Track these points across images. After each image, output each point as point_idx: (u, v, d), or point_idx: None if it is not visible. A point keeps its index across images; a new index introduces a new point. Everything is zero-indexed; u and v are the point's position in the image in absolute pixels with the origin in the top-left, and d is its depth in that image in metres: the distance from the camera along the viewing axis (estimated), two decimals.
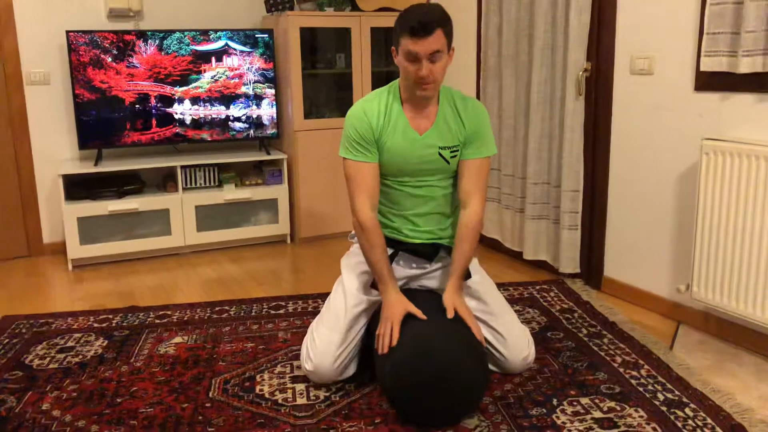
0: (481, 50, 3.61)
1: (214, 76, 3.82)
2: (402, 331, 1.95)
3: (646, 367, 2.26)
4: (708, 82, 2.48)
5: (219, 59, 3.81)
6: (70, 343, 2.56)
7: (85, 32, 3.54)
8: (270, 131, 4.01)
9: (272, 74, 3.94)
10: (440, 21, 1.94)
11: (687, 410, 1.98)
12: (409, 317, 2.00)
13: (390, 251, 2.14)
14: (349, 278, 2.17)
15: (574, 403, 2.03)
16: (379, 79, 4.39)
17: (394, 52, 2.04)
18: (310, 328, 2.17)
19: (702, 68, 2.45)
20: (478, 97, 3.75)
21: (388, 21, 4.05)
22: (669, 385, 2.13)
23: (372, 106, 2.10)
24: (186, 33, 3.73)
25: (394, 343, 1.92)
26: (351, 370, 2.14)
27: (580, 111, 3.00)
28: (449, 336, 1.90)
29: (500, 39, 3.43)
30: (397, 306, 2.00)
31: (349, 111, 2.12)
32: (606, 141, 2.96)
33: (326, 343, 2.07)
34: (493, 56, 3.50)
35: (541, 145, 3.21)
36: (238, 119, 3.93)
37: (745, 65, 2.27)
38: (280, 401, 2.07)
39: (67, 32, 3.50)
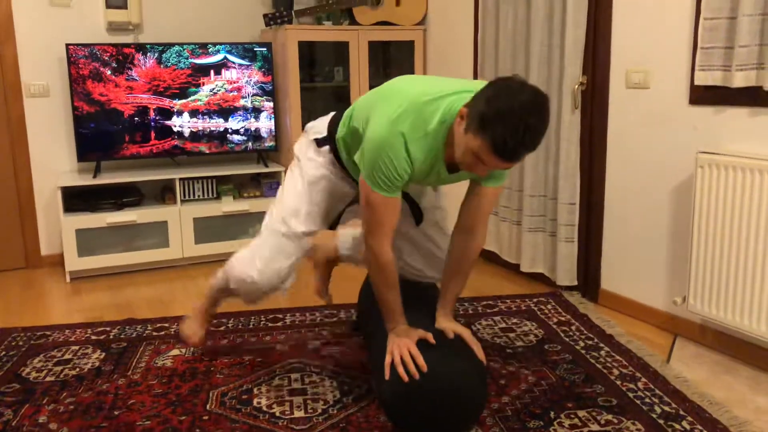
0: (478, 63, 3.64)
1: (213, 89, 3.84)
2: None
3: (643, 379, 2.27)
4: (703, 95, 2.51)
5: (218, 72, 3.83)
6: (67, 356, 2.55)
7: (84, 45, 3.56)
8: (268, 144, 4.03)
9: (270, 87, 3.96)
10: (533, 147, 1.58)
11: (684, 423, 1.98)
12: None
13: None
14: (315, 178, 2.19)
15: (572, 416, 2.03)
16: None
17: (465, 117, 1.62)
18: (268, 214, 2.28)
19: (696, 82, 2.47)
20: None
21: (386, 35, 4.08)
22: (666, 398, 2.14)
23: (417, 151, 1.76)
24: (185, 46, 3.75)
25: (423, 366, 1.80)
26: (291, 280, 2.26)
27: (576, 124, 3.02)
28: (448, 351, 1.90)
29: (497, 52, 3.46)
30: (411, 333, 1.91)
31: (387, 142, 1.73)
32: (602, 154, 2.98)
33: (276, 254, 2.18)
34: (489, 69, 3.53)
35: (538, 158, 3.22)
36: (236, 132, 3.94)
37: (739, 79, 2.30)
38: (277, 414, 2.07)
39: (67, 45, 3.53)
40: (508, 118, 1.52)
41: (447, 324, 2.02)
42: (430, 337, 1.92)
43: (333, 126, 2.15)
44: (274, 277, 2.17)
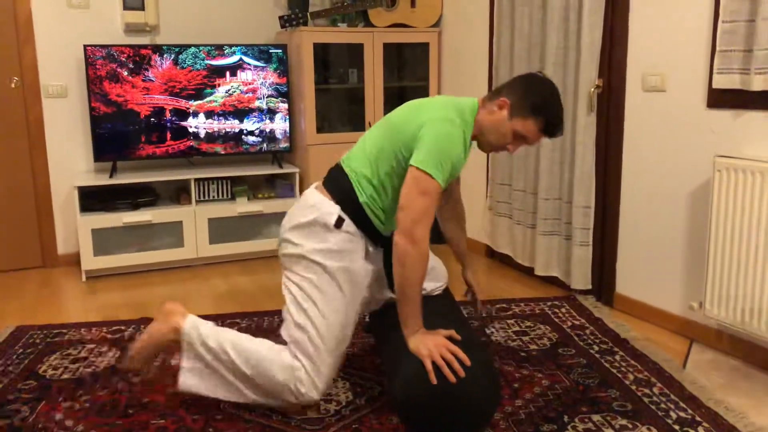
0: (493, 65, 3.63)
1: (229, 90, 3.86)
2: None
3: (658, 384, 2.25)
4: (720, 99, 2.48)
5: (233, 74, 3.85)
6: (83, 354, 2.58)
7: (102, 46, 3.59)
8: (283, 145, 4.05)
9: (286, 89, 3.98)
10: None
11: (700, 429, 1.96)
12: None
13: (377, 248, 2.12)
14: (348, 294, 2.02)
15: (586, 420, 2.02)
16: (391, 95, 4.43)
17: (506, 106, 1.96)
18: (304, 352, 1.97)
19: (714, 85, 2.45)
20: None
21: (401, 37, 4.08)
22: (682, 404, 2.12)
23: (468, 141, 2.02)
24: (201, 48, 3.78)
25: (466, 361, 1.83)
26: None
27: (591, 127, 3.01)
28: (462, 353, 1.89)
29: (512, 54, 3.45)
30: (436, 333, 1.92)
31: (454, 133, 1.92)
32: (618, 157, 2.97)
33: (333, 371, 2.02)
34: (504, 72, 3.52)
35: (553, 161, 3.21)
36: (251, 133, 3.96)
37: (758, 83, 2.27)
38: (290, 414, 2.07)
39: (85, 46, 3.56)
40: (553, 104, 1.94)
41: (473, 277, 2.46)
42: (454, 334, 1.93)
43: (344, 198, 2.02)
44: (330, 384, 2.07)
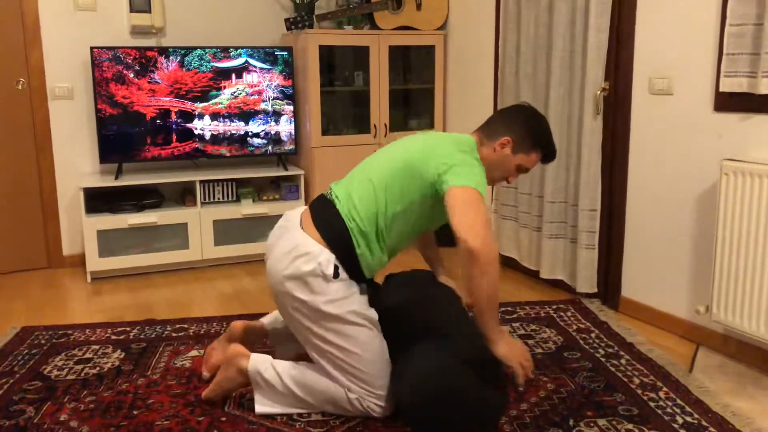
0: (499, 67, 3.62)
1: (234, 92, 3.87)
2: (418, 350, 1.94)
3: (664, 389, 2.24)
4: (727, 102, 2.47)
5: (239, 76, 3.86)
6: (88, 355, 2.58)
7: (108, 48, 3.60)
8: (288, 147, 4.05)
9: (291, 91, 3.98)
10: None
11: None
12: (427, 335, 2.00)
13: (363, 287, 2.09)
14: (368, 324, 2.01)
15: (591, 425, 2.01)
16: (397, 98, 4.42)
17: (509, 144, 2.07)
18: (355, 386, 1.99)
19: (721, 89, 2.44)
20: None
21: (407, 39, 4.08)
22: (688, 408, 2.10)
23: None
24: (207, 50, 3.78)
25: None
26: None
27: (598, 130, 3.00)
28: (470, 356, 1.89)
29: (518, 57, 3.44)
30: (520, 343, 2.11)
31: (472, 161, 1.98)
32: (624, 160, 2.96)
33: (387, 387, 2.02)
34: (510, 74, 3.52)
35: (559, 164, 3.20)
36: (256, 135, 3.97)
37: (766, 86, 2.26)
38: (295, 416, 2.07)
39: (91, 48, 3.57)
40: (549, 135, 2.10)
41: (448, 280, 2.38)
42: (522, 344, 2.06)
43: (339, 246, 1.98)
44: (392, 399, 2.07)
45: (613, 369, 2.40)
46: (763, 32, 2.24)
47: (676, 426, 2.00)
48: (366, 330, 1.99)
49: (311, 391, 2.03)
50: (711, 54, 2.53)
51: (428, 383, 1.85)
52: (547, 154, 2.11)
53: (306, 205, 3.97)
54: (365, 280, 2.09)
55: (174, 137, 3.80)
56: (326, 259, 1.95)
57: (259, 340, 2.43)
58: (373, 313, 2.03)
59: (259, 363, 2.08)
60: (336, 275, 1.95)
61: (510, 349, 1.98)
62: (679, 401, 2.15)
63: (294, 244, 1.98)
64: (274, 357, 2.12)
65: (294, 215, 2.10)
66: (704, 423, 2.01)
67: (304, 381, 2.03)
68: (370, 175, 2.03)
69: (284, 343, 2.38)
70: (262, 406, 2.08)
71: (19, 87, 3.70)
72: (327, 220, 2.01)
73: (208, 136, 3.87)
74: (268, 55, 3.90)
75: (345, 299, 1.96)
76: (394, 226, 2.00)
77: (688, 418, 2.04)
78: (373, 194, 1.99)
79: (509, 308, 3.06)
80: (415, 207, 1.99)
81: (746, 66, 2.35)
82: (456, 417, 1.85)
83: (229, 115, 3.89)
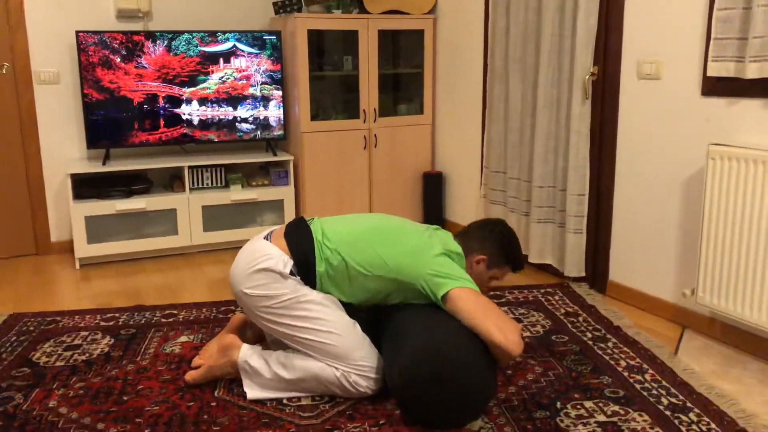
0: (488, 53, 3.62)
1: (222, 77, 3.84)
2: (411, 332, 1.96)
3: (650, 371, 2.26)
4: (715, 87, 2.48)
5: (227, 60, 3.83)
6: (77, 341, 2.57)
7: (94, 32, 3.56)
8: (277, 133, 4.03)
9: (279, 76, 3.96)
10: None
11: (691, 415, 1.98)
12: (415, 319, 2.01)
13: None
14: (323, 303, 2.09)
15: (578, 407, 2.04)
16: (386, 82, 4.41)
17: (483, 261, 2.21)
18: (336, 362, 2.04)
19: (709, 73, 2.45)
20: (484, 99, 3.76)
21: (396, 24, 4.06)
22: (673, 390, 2.13)
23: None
24: (194, 34, 3.75)
25: None
26: None
27: (586, 115, 3.00)
28: (459, 339, 1.90)
29: (507, 41, 3.43)
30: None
31: (454, 257, 2.11)
32: (612, 145, 2.97)
33: (372, 356, 2.06)
34: (499, 59, 3.51)
35: (547, 149, 3.21)
36: (245, 120, 3.94)
37: (753, 71, 2.27)
38: (284, 401, 2.08)
39: (77, 32, 3.53)
40: (519, 249, 2.27)
41: None
42: None
43: (301, 257, 2.08)
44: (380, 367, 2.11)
45: (600, 352, 2.42)
46: (751, 17, 2.25)
47: (661, 407, 2.02)
48: (326, 309, 2.06)
49: (298, 372, 2.05)
50: (699, 39, 2.53)
51: (418, 365, 1.86)
52: (516, 267, 2.27)
53: (296, 193, 3.98)
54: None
55: (162, 122, 3.78)
56: (284, 261, 2.06)
57: (255, 339, 2.43)
58: (331, 296, 2.12)
59: (249, 353, 2.13)
60: (292, 274, 2.06)
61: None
62: (664, 383, 2.18)
63: (255, 249, 2.11)
64: None
65: (262, 234, 2.21)
66: (689, 404, 2.04)
67: (292, 363, 2.06)
68: (358, 231, 2.12)
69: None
70: (252, 392, 2.10)
71: (3, 71, 3.65)
72: (297, 234, 2.13)
73: (196, 121, 3.84)
74: (256, 40, 3.87)
75: (303, 293, 2.06)
76: (358, 281, 2.09)
77: (673, 400, 2.07)
78: (350, 238, 2.10)
79: (498, 292, 3.08)
80: (389, 287, 2.08)
81: (734, 51, 2.36)
82: (445, 399, 1.87)
83: (218, 100, 3.86)
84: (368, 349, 2.07)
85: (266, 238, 2.15)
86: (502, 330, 1.90)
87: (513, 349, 1.89)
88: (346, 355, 2.03)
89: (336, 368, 2.03)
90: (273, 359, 2.09)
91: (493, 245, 2.22)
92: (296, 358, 2.07)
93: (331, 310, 2.07)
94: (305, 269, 2.08)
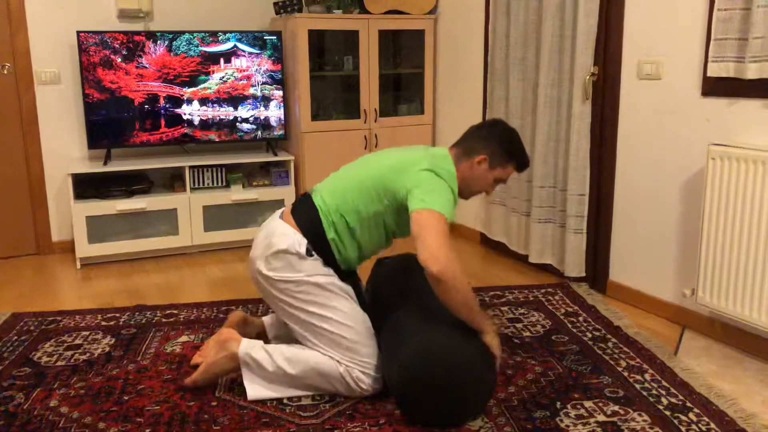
0: (488, 52, 3.62)
1: (223, 77, 3.85)
2: (409, 330, 1.96)
3: (650, 371, 2.27)
4: (715, 87, 2.49)
5: (228, 60, 3.83)
6: (77, 341, 2.58)
7: (95, 32, 3.57)
8: (277, 133, 4.03)
9: (280, 76, 3.96)
10: None
11: (691, 415, 1.98)
12: (414, 318, 2.02)
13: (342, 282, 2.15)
14: (339, 293, 2.09)
15: (578, 407, 2.04)
16: (387, 82, 4.41)
17: (485, 161, 2.14)
18: (342, 356, 2.04)
19: (709, 74, 2.45)
20: (484, 99, 3.76)
21: (397, 24, 4.06)
22: (673, 390, 2.14)
23: (453, 191, 2.08)
24: (195, 34, 3.75)
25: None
26: None
27: (586, 115, 3.01)
28: (457, 338, 1.90)
29: (508, 41, 3.44)
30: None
31: (441, 182, 2.01)
32: (612, 145, 2.97)
33: (374, 357, 2.07)
34: (500, 59, 3.51)
35: (548, 149, 3.21)
36: (245, 120, 3.95)
37: (753, 71, 2.27)
38: (285, 401, 2.08)
39: (78, 32, 3.53)
40: (521, 147, 2.20)
41: None
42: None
43: (311, 231, 2.08)
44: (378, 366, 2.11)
45: (600, 352, 2.42)
46: (751, 17, 2.25)
47: (660, 407, 2.03)
48: (345, 300, 2.07)
49: (302, 366, 2.05)
50: (699, 39, 2.53)
51: (416, 365, 1.87)
52: (521, 164, 2.21)
53: (296, 193, 3.99)
54: (342, 272, 2.16)
55: (163, 122, 3.78)
56: (298, 240, 2.07)
57: (255, 336, 2.44)
58: (350, 288, 2.13)
59: (250, 345, 2.12)
60: (309, 254, 2.07)
61: (496, 338, 2.01)
62: (664, 383, 2.18)
63: (271, 230, 2.12)
64: None
65: (277, 212, 2.23)
66: (689, 404, 2.04)
67: (296, 357, 2.06)
68: (346, 179, 2.15)
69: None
70: (254, 390, 2.09)
71: (5, 71, 3.66)
72: (303, 210, 2.14)
73: (197, 121, 3.85)
74: (257, 40, 3.87)
75: (321, 274, 2.07)
76: (363, 225, 2.10)
77: (673, 400, 2.07)
78: (344, 194, 2.10)
79: (498, 292, 3.08)
80: (383, 215, 2.08)
81: (734, 51, 2.36)
82: (444, 398, 1.87)
83: (218, 100, 3.87)
84: (375, 347, 2.08)
85: (280, 217, 2.16)
86: (432, 253, 1.84)
87: (434, 269, 1.83)
88: (354, 349, 2.04)
89: (340, 363, 2.04)
90: (277, 353, 2.09)
91: (494, 144, 2.16)
92: (300, 352, 2.07)
93: (347, 301, 2.08)
94: (318, 242, 2.08)
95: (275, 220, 2.15)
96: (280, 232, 2.09)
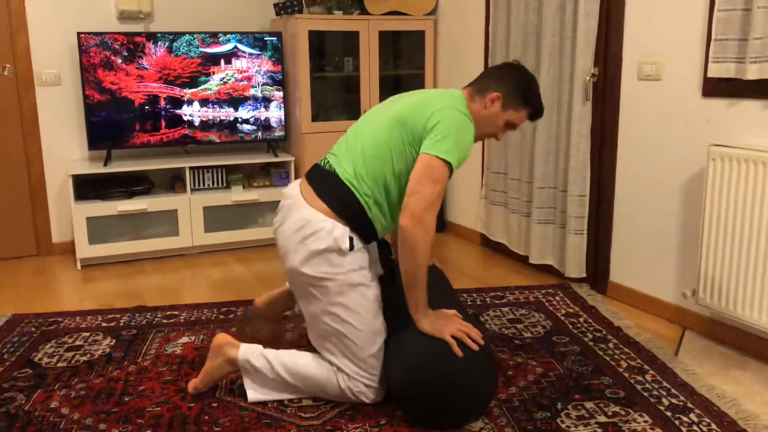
0: (489, 53, 3.62)
1: (223, 78, 3.85)
2: (412, 332, 1.95)
3: (651, 372, 2.27)
4: (715, 88, 2.49)
5: (228, 61, 3.84)
6: (78, 342, 2.58)
7: (95, 34, 3.57)
8: (278, 133, 4.03)
9: (281, 77, 3.96)
10: None
11: (692, 416, 1.98)
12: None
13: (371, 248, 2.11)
14: (370, 296, 2.01)
15: (579, 408, 2.04)
16: (387, 83, 4.41)
17: (499, 100, 2.04)
18: (349, 365, 1.99)
19: (709, 74, 2.45)
20: None
21: (397, 25, 4.07)
22: (674, 391, 2.13)
23: (473, 128, 2.02)
24: (195, 35, 3.75)
25: (479, 335, 1.91)
26: None
27: (587, 116, 3.01)
28: (460, 340, 1.90)
29: (508, 43, 3.44)
30: (445, 312, 1.98)
31: (465, 123, 1.95)
32: (613, 146, 2.97)
33: (380, 366, 2.03)
34: (500, 60, 3.51)
35: (548, 150, 3.21)
36: (246, 121, 3.95)
37: (753, 72, 2.27)
38: (286, 402, 2.08)
39: (78, 34, 3.54)
40: (538, 92, 2.10)
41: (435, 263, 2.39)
42: (457, 313, 1.98)
43: (352, 215, 1.97)
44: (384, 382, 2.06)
45: (600, 353, 2.42)
46: (752, 17, 2.25)
47: (661, 408, 2.03)
48: (371, 308, 1.98)
49: (301, 376, 2.04)
50: (699, 39, 2.53)
51: (420, 365, 1.86)
52: (535, 110, 2.11)
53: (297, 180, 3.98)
54: (377, 240, 2.10)
55: (163, 123, 3.78)
56: (341, 234, 1.94)
57: (282, 308, 2.43)
58: (379, 298, 2.05)
59: (249, 351, 2.10)
60: (351, 247, 1.95)
61: (432, 323, 1.91)
62: (665, 384, 2.18)
63: (304, 222, 1.95)
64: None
65: (294, 191, 2.04)
66: (689, 405, 2.04)
67: (295, 367, 2.05)
68: (367, 135, 2.01)
69: None
70: (255, 393, 2.09)
71: (5, 73, 3.66)
72: (331, 190, 1.98)
73: (197, 122, 3.85)
74: (257, 41, 3.88)
75: (357, 270, 1.97)
76: (396, 185, 1.98)
77: (674, 400, 2.07)
78: (366, 155, 1.97)
79: (499, 293, 3.08)
80: (411, 162, 1.95)
81: (734, 51, 2.36)
82: (445, 400, 1.87)
83: (219, 101, 3.87)
84: (382, 355, 2.03)
85: (301, 194, 2.01)
86: (415, 204, 1.83)
87: (404, 221, 1.83)
88: (362, 359, 1.98)
89: (340, 372, 2.00)
90: (277, 362, 2.06)
91: (510, 84, 2.06)
92: (299, 361, 2.05)
93: (372, 309, 1.99)
94: (361, 226, 1.98)
95: (304, 208, 1.97)
96: (318, 228, 1.93)
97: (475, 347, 1.86)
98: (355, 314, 1.96)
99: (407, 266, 1.88)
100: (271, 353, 2.08)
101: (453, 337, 1.88)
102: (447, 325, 1.90)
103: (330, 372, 2.02)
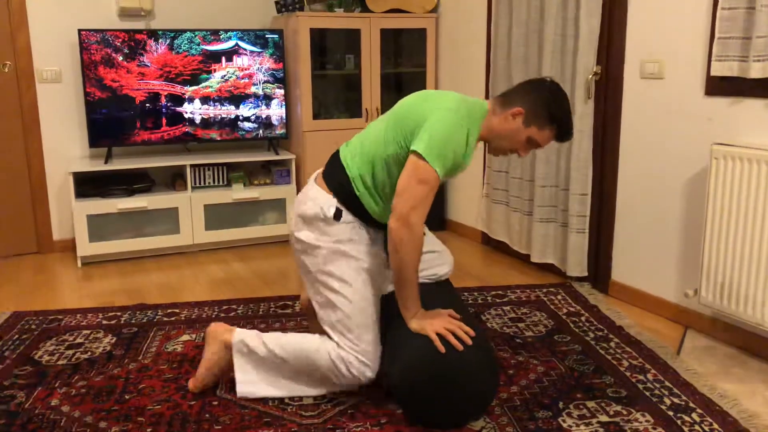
0: (491, 51, 3.61)
1: (224, 75, 3.84)
2: (412, 331, 1.95)
3: (652, 371, 2.26)
4: (718, 86, 2.48)
5: (229, 59, 3.83)
6: (79, 340, 2.58)
7: (96, 31, 3.56)
8: (279, 131, 4.03)
9: (282, 74, 3.96)
10: None
11: (693, 415, 1.98)
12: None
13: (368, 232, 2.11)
14: (359, 268, 2.04)
15: (581, 407, 2.03)
16: (388, 81, 4.40)
17: (520, 115, 1.98)
18: (341, 336, 2.00)
19: (712, 73, 2.44)
20: (486, 98, 3.75)
21: (398, 23, 4.06)
22: (676, 390, 2.13)
23: (472, 137, 1.99)
24: (197, 33, 3.75)
25: (470, 331, 1.90)
26: None
27: (589, 114, 3.00)
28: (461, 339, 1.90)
29: (510, 41, 3.43)
30: (437, 312, 1.99)
31: (457, 125, 1.93)
32: (615, 145, 2.96)
33: (376, 345, 2.03)
34: (502, 58, 3.50)
35: (550, 148, 3.21)
36: (247, 119, 3.94)
37: (756, 70, 2.27)
38: (286, 400, 2.08)
39: (79, 31, 3.53)
40: (568, 113, 2.00)
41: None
42: (453, 312, 1.98)
43: (340, 190, 2.03)
44: (379, 360, 2.06)
45: (602, 352, 2.42)
46: (755, 16, 2.24)
47: (663, 407, 2.02)
48: (362, 279, 2.02)
49: (291, 347, 2.03)
50: (702, 38, 2.53)
51: (420, 365, 1.86)
52: (562, 132, 2.01)
53: (297, 192, 3.97)
54: (378, 225, 2.11)
55: (164, 121, 3.78)
56: (326, 202, 2.03)
57: None
58: (380, 251, 2.08)
59: (245, 333, 2.11)
60: (338, 217, 2.02)
61: (419, 321, 1.94)
62: (666, 383, 2.17)
63: (303, 195, 2.11)
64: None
65: (314, 175, 2.18)
66: (691, 404, 2.04)
67: (287, 340, 2.05)
68: (374, 125, 2.09)
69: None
70: (243, 386, 2.08)
71: (6, 70, 3.66)
72: (331, 169, 2.09)
73: (198, 119, 3.84)
74: (258, 38, 3.87)
75: (348, 240, 2.03)
76: (387, 174, 2.00)
77: (676, 400, 2.07)
78: (367, 143, 2.04)
79: (500, 292, 3.08)
80: (404, 155, 1.96)
81: (737, 50, 2.35)
82: (446, 399, 1.87)
83: (220, 99, 3.86)
84: (375, 336, 2.03)
85: (314, 181, 2.12)
86: (403, 207, 1.86)
87: (392, 223, 1.87)
88: (351, 328, 1.98)
89: (331, 346, 1.99)
90: (270, 338, 2.08)
91: (535, 99, 1.97)
92: (294, 337, 2.07)
93: (361, 280, 2.01)
94: (351, 200, 2.03)
95: (310, 185, 2.11)
96: (311, 197, 2.05)
97: (460, 347, 1.86)
98: (343, 283, 2.01)
99: (394, 265, 1.93)
100: (267, 335, 2.10)
101: (440, 335, 1.88)
102: (432, 323, 1.92)
103: (321, 342, 2.02)
